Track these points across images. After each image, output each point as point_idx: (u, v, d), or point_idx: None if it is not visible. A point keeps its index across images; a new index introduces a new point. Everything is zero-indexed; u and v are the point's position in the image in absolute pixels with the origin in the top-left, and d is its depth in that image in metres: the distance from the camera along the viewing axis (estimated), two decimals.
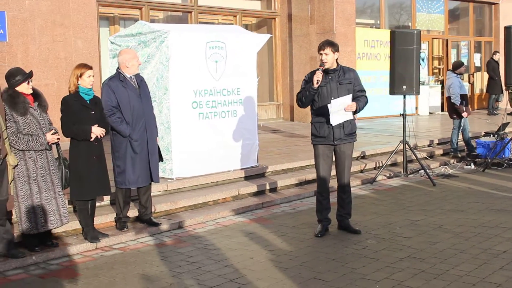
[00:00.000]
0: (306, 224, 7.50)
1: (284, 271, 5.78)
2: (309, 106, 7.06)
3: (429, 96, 18.79)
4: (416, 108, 18.83)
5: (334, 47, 6.91)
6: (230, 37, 9.22)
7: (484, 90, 20.81)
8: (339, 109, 6.74)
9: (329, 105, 6.73)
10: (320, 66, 6.87)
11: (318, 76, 6.74)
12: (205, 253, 6.48)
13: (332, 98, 6.79)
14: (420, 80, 18.84)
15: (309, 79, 6.92)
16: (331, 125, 6.81)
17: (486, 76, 19.80)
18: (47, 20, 12.53)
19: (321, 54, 6.88)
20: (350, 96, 6.82)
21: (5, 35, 11.96)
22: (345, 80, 6.93)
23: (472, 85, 21.40)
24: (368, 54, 17.27)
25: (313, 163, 7.45)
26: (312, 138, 7.09)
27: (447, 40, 20.68)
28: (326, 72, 6.85)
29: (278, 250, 6.50)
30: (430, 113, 18.79)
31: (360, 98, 6.96)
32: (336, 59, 6.95)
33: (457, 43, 21.40)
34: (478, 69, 21.81)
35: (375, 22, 18.61)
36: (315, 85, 6.76)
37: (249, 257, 6.29)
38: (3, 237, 6.22)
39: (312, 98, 6.90)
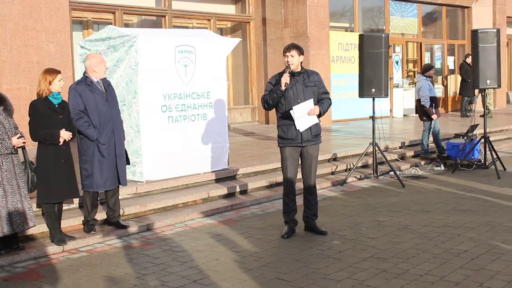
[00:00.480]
0: (274, 225, 7.53)
1: (248, 272, 5.82)
2: (274, 109, 7.12)
3: (404, 98, 18.94)
4: (391, 110, 18.98)
5: (299, 50, 6.98)
6: (199, 41, 9.24)
7: (458, 93, 21.05)
8: (303, 114, 6.79)
9: (291, 111, 6.77)
10: (286, 68, 6.91)
11: (286, 79, 6.79)
12: (171, 254, 6.51)
13: (299, 100, 6.85)
14: (394, 82, 19.25)
15: (276, 82, 6.95)
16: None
17: (459, 78, 19.97)
18: (19, 24, 12.48)
19: (287, 56, 6.93)
20: (312, 100, 6.86)
21: None
22: (310, 82, 6.98)
23: (445, 87, 21.67)
24: (342, 57, 17.38)
25: None
26: (279, 140, 7.12)
27: (420, 43, 20.87)
28: (291, 74, 6.89)
29: (244, 252, 6.53)
30: (404, 115, 18.95)
31: (324, 100, 7.03)
32: (301, 62, 7.01)
33: (431, 46, 21.61)
34: (451, 71, 22.02)
35: (349, 25, 18.75)
36: (283, 87, 6.81)
37: (215, 258, 6.32)
38: None
39: (278, 100, 6.92)
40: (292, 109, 6.77)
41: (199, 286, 5.49)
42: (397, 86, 19.34)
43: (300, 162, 7.18)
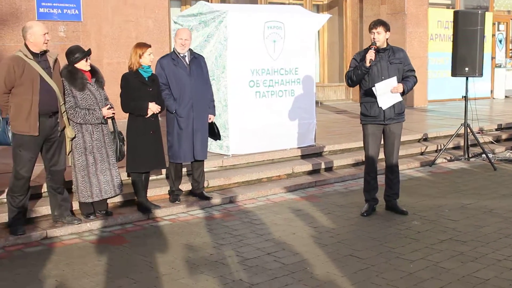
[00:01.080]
0: (355, 203, 7.51)
1: (322, 247, 5.86)
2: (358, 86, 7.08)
3: (506, 79, 18.25)
4: (492, 91, 18.39)
5: (386, 26, 6.89)
6: (288, 17, 9.27)
7: None
8: (385, 92, 6.72)
9: (373, 89, 6.72)
10: (371, 45, 6.83)
11: (371, 55, 6.72)
12: (249, 227, 6.62)
13: (383, 77, 6.78)
14: (497, 62, 18.58)
15: (361, 58, 6.88)
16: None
17: None
18: (119, 1, 12.93)
19: (373, 33, 6.85)
20: (395, 78, 6.77)
21: (79, 15, 12.45)
22: (395, 59, 6.89)
23: None
24: (442, 35, 16.95)
25: None
26: (361, 117, 7.08)
27: None
28: (377, 51, 6.81)
29: (321, 227, 6.56)
30: (506, 96, 18.30)
31: (409, 78, 6.90)
32: (387, 39, 6.92)
33: None
34: None
35: (451, 2, 18.19)
36: (368, 64, 6.75)
37: (292, 232, 6.38)
38: (61, 205, 6.53)
39: (362, 77, 6.87)
40: (374, 86, 6.71)
41: (272, 258, 5.56)
42: (500, 66, 18.68)
43: (382, 140, 7.11)
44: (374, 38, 6.84)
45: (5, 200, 6.35)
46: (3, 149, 7.26)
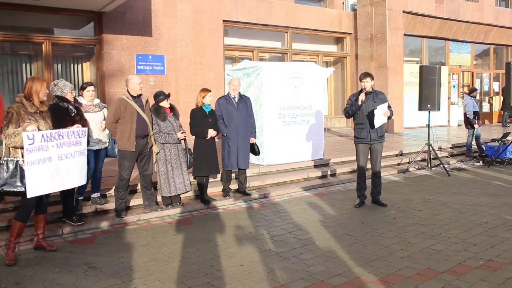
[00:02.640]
0: (350, 198, 7.47)
1: (326, 228, 5.86)
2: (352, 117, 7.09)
3: (458, 113, 17.91)
4: (448, 121, 18.07)
5: (371, 77, 6.86)
6: (305, 70, 9.30)
7: (500, 109, 19.71)
8: (380, 114, 6.69)
9: (375, 110, 6.69)
10: (363, 90, 6.82)
11: (363, 97, 6.73)
12: (277, 214, 6.63)
13: (372, 110, 6.79)
14: (452, 101, 18.29)
15: (355, 99, 6.87)
16: (370, 130, 6.78)
17: (501, 98, 18.71)
18: (190, 60, 13.15)
19: (363, 82, 6.82)
20: (386, 104, 6.78)
21: (164, 70, 12.68)
22: (377, 99, 6.85)
23: (491, 105, 20.25)
24: (413, 82, 16.70)
25: None
26: (354, 139, 7.04)
27: (473, 73, 19.59)
28: (365, 94, 6.86)
29: (326, 215, 6.56)
30: (458, 125, 17.91)
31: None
32: (372, 85, 6.91)
33: (481, 75, 20.24)
34: (496, 93, 20.42)
35: (419, 59, 18.01)
36: (360, 103, 6.79)
37: (306, 218, 6.39)
38: (149, 197, 6.66)
39: (355, 112, 6.89)
40: (376, 108, 6.70)
41: (292, 235, 5.59)
42: (454, 104, 18.35)
43: (369, 155, 7.11)
44: (364, 85, 6.85)
45: (113, 194, 6.51)
46: (112, 160, 7.43)
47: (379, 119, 6.74)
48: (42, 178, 4.71)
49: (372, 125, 6.78)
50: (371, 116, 6.78)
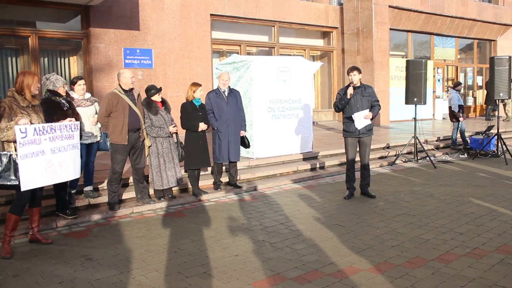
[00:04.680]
0: (340, 190, 7.56)
1: (317, 220, 5.96)
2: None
3: (442, 106, 18.16)
4: (433, 114, 18.32)
5: (359, 70, 6.94)
6: (293, 64, 9.38)
7: (483, 102, 20.09)
8: (360, 118, 6.80)
9: (353, 116, 6.81)
10: (350, 83, 6.94)
11: (351, 91, 6.83)
12: (268, 206, 6.70)
13: (357, 106, 6.84)
14: (437, 94, 18.55)
15: (344, 93, 6.99)
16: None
17: (485, 92, 19.11)
18: (178, 54, 13.14)
19: (351, 75, 6.91)
20: (367, 110, 6.84)
21: (151, 64, 12.66)
22: (366, 93, 6.94)
23: (475, 98, 20.59)
24: (398, 76, 16.92)
25: None
26: (343, 132, 7.13)
27: (457, 67, 19.89)
28: (353, 88, 6.98)
29: (317, 206, 6.65)
30: (443, 118, 18.16)
31: (375, 106, 6.95)
32: (360, 79, 7.02)
33: (465, 69, 20.55)
34: (480, 87, 20.79)
35: (405, 53, 18.22)
36: (348, 97, 6.89)
37: (297, 210, 6.47)
38: (142, 191, 6.69)
39: (345, 106, 6.99)
40: (354, 114, 6.82)
41: (284, 226, 5.68)
42: (438, 97, 18.61)
43: (358, 148, 7.21)
44: (352, 79, 6.94)
45: (106, 187, 6.54)
46: (104, 154, 7.47)
47: (360, 121, 6.84)
48: (36, 171, 4.74)
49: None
50: (358, 102, 6.89)
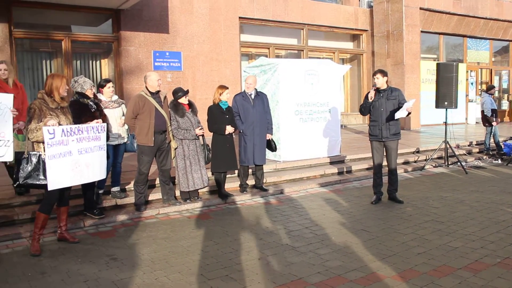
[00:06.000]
0: (367, 195, 7.46)
1: (343, 224, 5.88)
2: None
3: (476, 110, 17.76)
4: (466, 118, 17.93)
5: (383, 73, 6.85)
6: (321, 67, 9.32)
7: None
8: (404, 108, 6.63)
9: (406, 103, 6.65)
10: (373, 86, 6.91)
11: (371, 94, 6.79)
12: (294, 210, 6.66)
13: (382, 109, 6.77)
14: (470, 98, 18.13)
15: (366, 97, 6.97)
16: (382, 127, 6.78)
17: None
18: (207, 57, 13.25)
19: (374, 78, 6.87)
20: (414, 100, 6.75)
21: (181, 67, 12.80)
22: (391, 97, 6.83)
23: (510, 102, 20.04)
24: (430, 79, 16.61)
25: None
26: (369, 136, 7.08)
27: (491, 70, 19.42)
28: (378, 91, 6.85)
29: (343, 211, 6.57)
30: (476, 122, 17.77)
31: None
32: (386, 81, 6.89)
33: (500, 72, 20.03)
34: None
35: (436, 56, 17.89)
36: (369, 100, 6.82)
37: (322, 214, 6.41)
38: (168, 192, 6.75)
39: (369, 109, 6.90)
40: (407, 102, 6.70)
41: (308, 231, 5.63)
42: (471, 101, 18.22)
43: (385, 152, 7.09)
44: (375, 82, 6.87)
45: (133, 188, 6.62)
46: (132, 155, 7.57)
47: (401, 111, 6.67)
48: (63, 172, 4.83)
49: (392, 116, 6.75)
50: (384, 105, 6.76)
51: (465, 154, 11.26)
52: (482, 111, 11.16)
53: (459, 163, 9.84)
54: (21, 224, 5.80)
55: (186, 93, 6.70)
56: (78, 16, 11.66)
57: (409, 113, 6.73)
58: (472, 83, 18.40)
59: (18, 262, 4.69)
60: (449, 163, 10.10)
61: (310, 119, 9.21)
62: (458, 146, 11.52)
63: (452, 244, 5.04)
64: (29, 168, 4.81)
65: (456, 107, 9.71)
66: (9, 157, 4.99)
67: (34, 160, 4.84)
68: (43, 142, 4.76)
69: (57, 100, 5.01)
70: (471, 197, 7.27)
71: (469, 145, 12.17)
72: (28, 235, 5.42)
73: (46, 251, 5.01)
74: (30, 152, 4.84)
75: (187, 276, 4.25)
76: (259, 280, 4.15)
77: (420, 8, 15.95)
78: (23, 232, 5.52)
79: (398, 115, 6.70)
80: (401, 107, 6.69)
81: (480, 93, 18.53)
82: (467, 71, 17.99)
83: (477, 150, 11.85)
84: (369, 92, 6.94)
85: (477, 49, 18.81)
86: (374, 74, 6.87)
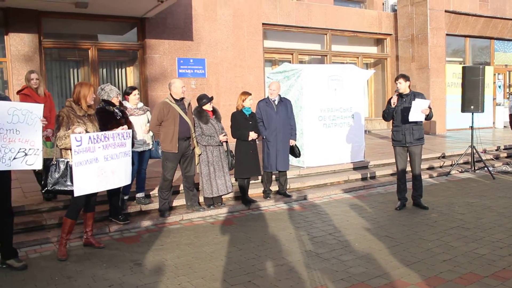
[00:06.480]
0: (391, 201, 7.39)
1: (367, 230, 5.84)
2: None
3: (504, 114, 17.38)
4: (493, 122, 17.57)
5: (405, 78, 6.79)
6: (345, 72, 9.28)
7: None
8: (417, 110, 6.55)
9: (413, 102, 6.58)
10: (395, 91, 6.84)
11: (394, 99, 6.73)
12: (317, 216, 6.64)
13: (405, 114, 6.66)
14: (497, 101, 17.76)
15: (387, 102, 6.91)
16: (405, 132, 6.71)
17: None
18: (231, 63, 13.33)
19: (397, 83, 6.82)
20: (429, 101, 6.66)
21: (205, 73, 12.91)
22: None
23: None
24: (456, 83, 16.33)
25: None
26: (392, 141, 7.01)
27: None
28: (401, 96, 6.79)
29: (367, 217, 6.52)
30: (504, 126, 17.39)
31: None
32: (409, 86, 6.82)
33: None
34: None
35: (462, 59, 17.60)
36: (392, 105, 6.76)
37: (346, 220, 6.37)
38: (192, 198, 6.80)
39: (392, 114, 6.84)
40: (415, 100, 6.59)
41: (332, 237, 5.60)
42: (499, 104, 17.84)
43: (408, 157, 7.00)
44: (397, 87, 6.81)
45: (157, 194, 6.70)
46: (156, 161, 7.66)
47: (416, 114, 6.58)
48: (89, 178, 4.92)
49: (406, 118, 6.65)
50: (407, 110, 6.67)
51: (492, 159, 11.02)
52: (510, 115, 10.92)
53: (486, 168, 9.65)
54: (49, 229, 5.94)
55: (210, 99, 6.75)
56: (104, 25, 11.89)
57: (428, 116, 6.64)
58: (499, 86, 18.04)
59: (45, 267, 4.80)
60: (476, 168, 9.91)
61: (333, 125, 9.17)
62: (485, 151, 11.30)
63: (479, 251, 4.95)
64: (57, 175, 4.92)
65: (482, 111, 9.53)
66: (39, 165, 5.09)
67: (62, 166, 4.95)
68: (71, 149, 4.87)
69: (84, 108, 5.11)
70: (498, 203, 7.12)
71: (496, 150, 11.92)
72: (55, 240, 5.54)
73: (73, 256, 5.11)
74: (59, 159, 4.96)
75: (210, 282, 4.28)
76: (282, 286, 4.14)
77: (445, 11, 15.73)
78: (51, 237, 5.64)
79: (412, 117, 6.61)
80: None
81: (508, 96, 18.16)
82: (494, 74, 17.64)
83: (505, 154, 11.60)
84: (391, 98, 6.88)
85: (504, 51, 18.43)
86: (397, 79, 6.82)
